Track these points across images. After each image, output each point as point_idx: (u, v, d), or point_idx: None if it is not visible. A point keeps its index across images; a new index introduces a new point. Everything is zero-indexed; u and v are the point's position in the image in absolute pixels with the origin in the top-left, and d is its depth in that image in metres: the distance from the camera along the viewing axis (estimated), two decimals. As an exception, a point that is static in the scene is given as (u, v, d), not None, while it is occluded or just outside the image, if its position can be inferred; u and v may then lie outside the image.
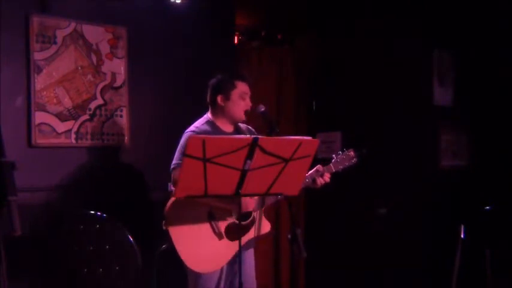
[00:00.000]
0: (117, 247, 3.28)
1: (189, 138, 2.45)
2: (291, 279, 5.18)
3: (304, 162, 2.62)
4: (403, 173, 4.43)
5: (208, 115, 3.20)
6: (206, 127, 3.12)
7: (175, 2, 4.10)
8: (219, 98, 3.13)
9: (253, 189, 2.64)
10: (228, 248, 2.96)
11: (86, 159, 3.79)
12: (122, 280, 3.26)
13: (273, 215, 5.02)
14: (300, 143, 2.54)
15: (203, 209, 2.91)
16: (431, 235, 4.38)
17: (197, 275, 3.01)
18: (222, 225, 2.97)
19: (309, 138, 2.65)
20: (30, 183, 3.34)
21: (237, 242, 2.85)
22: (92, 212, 3.36)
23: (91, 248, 3.27)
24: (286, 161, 2.55)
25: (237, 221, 2.92)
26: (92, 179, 3.78)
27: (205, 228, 2.94)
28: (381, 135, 4.55)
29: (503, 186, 4.39)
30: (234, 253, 2.96)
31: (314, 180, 3.09)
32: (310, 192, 3.33)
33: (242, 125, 3.27)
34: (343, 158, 3.19)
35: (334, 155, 3.21)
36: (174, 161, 3.06)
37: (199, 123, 3.16)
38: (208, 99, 3.20)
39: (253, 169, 2.52)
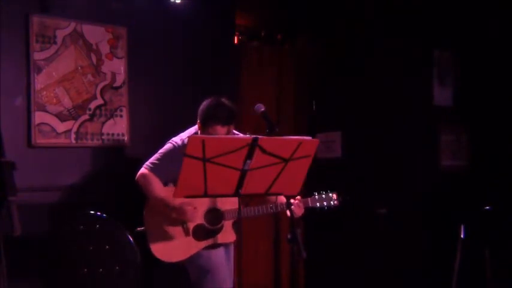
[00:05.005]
0: (117, 247, 3.28)
1: (189, 139, 2.46)
2: (291, 279, 5.18)
3: (304, 162, 2.62)
4: (403, 173, 4.43)
5: (196, 127, 3.27)
6: None
7: (175, 2, 4.10)
8: (198, 124, 3.24)
9: (253, 189, 2.64)
10: (191, 246, 3.22)
11: (85, 159, 3.79)
12: (121, 280, 3.26)
13: (273, 215, 5.02)
14: (300, 142, 2.54)
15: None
16: (431, 235, 4.38)
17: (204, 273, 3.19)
18: (191, 224, 3.21)
19: (309, 138, 2.65)
20: (30, 183, 3.35)
21: (201, 242, 3.20)
22: (92, 212, 3.36)
23: (91, 248, 3.26)
24: (286, 160, 2.55)
25: (206, 224, 3.21)
26: (92, 179, 3.79)
27: (175, 222, 3.19)
28: (381, 135, 4.55)
29: (503, 186, 4.39)
30: (197, 250, 3.21)
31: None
32: (310, 192, 3.33)
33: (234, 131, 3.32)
34: (323, 198, 3.28)
35: (315, 192, 3.29)
36: (149, 161, 3.23)
37: (185, 135, 3.27)
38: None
39: (253, 169, 2.52)
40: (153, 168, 3.19)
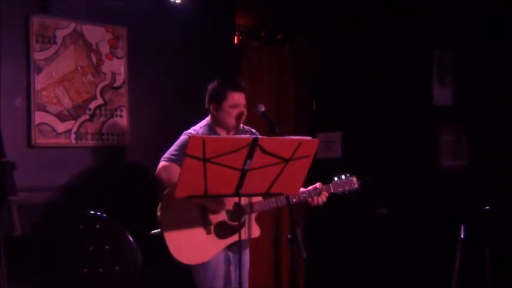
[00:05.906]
0: (117, 247, 3.28)
1: (189, 138, 2.46)
2: (291, 279, 5.18)
3: (304, 162, 2.62)
4: (403, 173, 4.43)
5: (208, 119, 3.22)
6: (204, 130, 3.15)
7: (175, 2, 4.10)
8: (211, 107, 3.16)
9: (253, 189, 2.64)
10: (214, 244, 3.04)
11: (85, 159, 3.79)
12: (121, 280, 3.25)
13: (273, 214, 5.03)
14: (300, 142, 2.54)
15: (197, 203, 2.98)
16: (431, 235, 4.38)
17: (204, 269, 3.07)
18: (213, 221, 3.04)
19: (309, 138, 2.65)
20: (30, 183, 3.34)
21: (224, 240, 3.02)
22: (92, 212, 3.36)
23: (91, 248, 3.26)
24: (286, 161, 2.55)
25: (228, 220, 3.03)
26: (92, 179, 3.78)
27: (196, 221, 3.02)
28: (381, 135, 4.55)
29: (503, 186, 4.39)
30: (219, 249, 3.05)
31: (311, 197, 3.09)
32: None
33: (245, 127, 3.27)
34: (344, 182, 3.17)
35: (335, 177, 3.19)
36: (167, 154, 3.10)
37: (198, 127, 3.19)
38: (205, 105, 3.22)
39: (253, 169, 2.52)
40: (174, 160, 3.03)
